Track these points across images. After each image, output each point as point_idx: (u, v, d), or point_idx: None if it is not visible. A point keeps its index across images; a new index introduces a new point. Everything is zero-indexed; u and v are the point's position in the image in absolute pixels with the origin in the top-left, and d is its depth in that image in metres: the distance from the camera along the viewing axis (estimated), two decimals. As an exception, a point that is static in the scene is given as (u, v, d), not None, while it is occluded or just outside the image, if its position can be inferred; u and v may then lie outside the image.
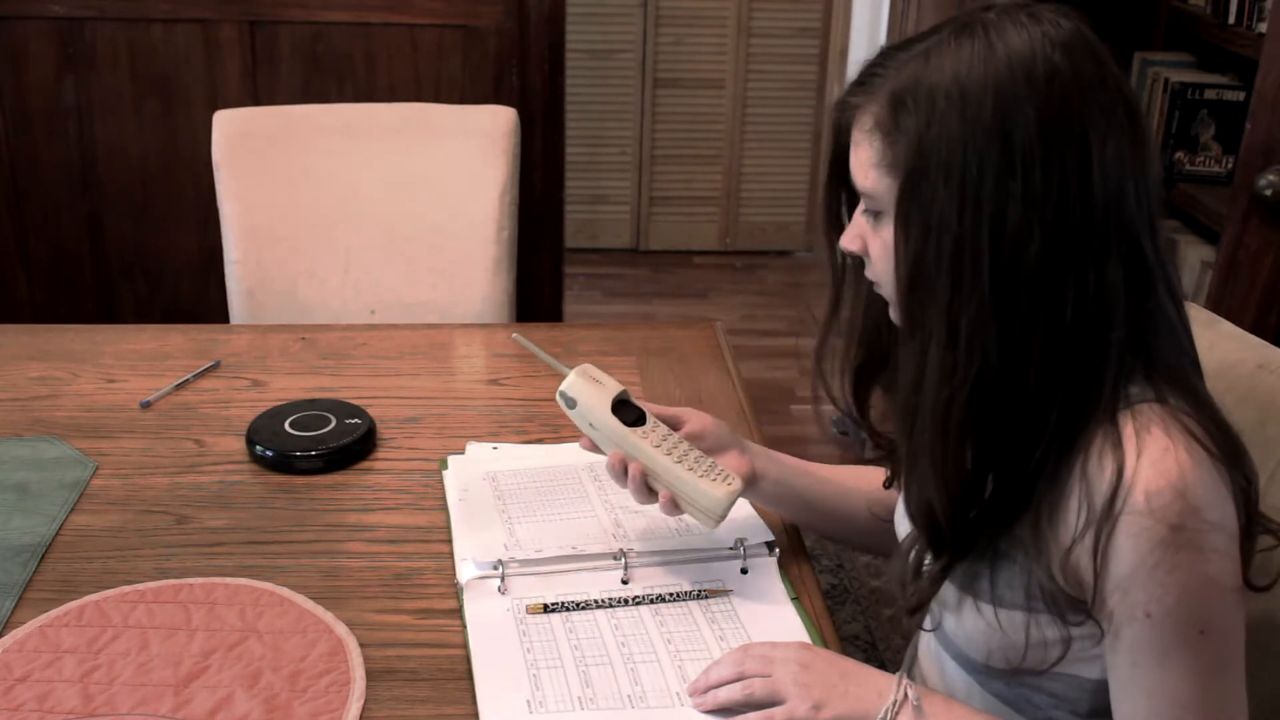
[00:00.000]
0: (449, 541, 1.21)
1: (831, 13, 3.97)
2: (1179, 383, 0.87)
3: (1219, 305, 1.72)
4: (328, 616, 1.09)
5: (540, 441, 1.41)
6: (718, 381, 1.58)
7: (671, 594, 1.12)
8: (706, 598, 1.13)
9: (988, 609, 0.92)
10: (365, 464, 1.36)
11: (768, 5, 3.97)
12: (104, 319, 2.61)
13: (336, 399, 1.46)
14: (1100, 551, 0.83)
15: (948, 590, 0.96)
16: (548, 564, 1.15)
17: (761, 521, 1.23)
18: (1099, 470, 0.84)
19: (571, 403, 1.13)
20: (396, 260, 1.95)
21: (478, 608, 1.10)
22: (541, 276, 2.66)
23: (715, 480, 1.10)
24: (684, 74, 4.05)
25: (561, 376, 1.14)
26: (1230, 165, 2.37)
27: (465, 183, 1.94)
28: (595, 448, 1.15)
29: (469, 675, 1.02)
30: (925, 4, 2.73)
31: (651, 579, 1.15)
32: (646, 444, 1.11)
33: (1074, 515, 0.85)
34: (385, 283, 1.95)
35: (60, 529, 1.22)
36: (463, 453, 1.38)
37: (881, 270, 0.93)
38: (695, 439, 1.15)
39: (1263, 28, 2.10)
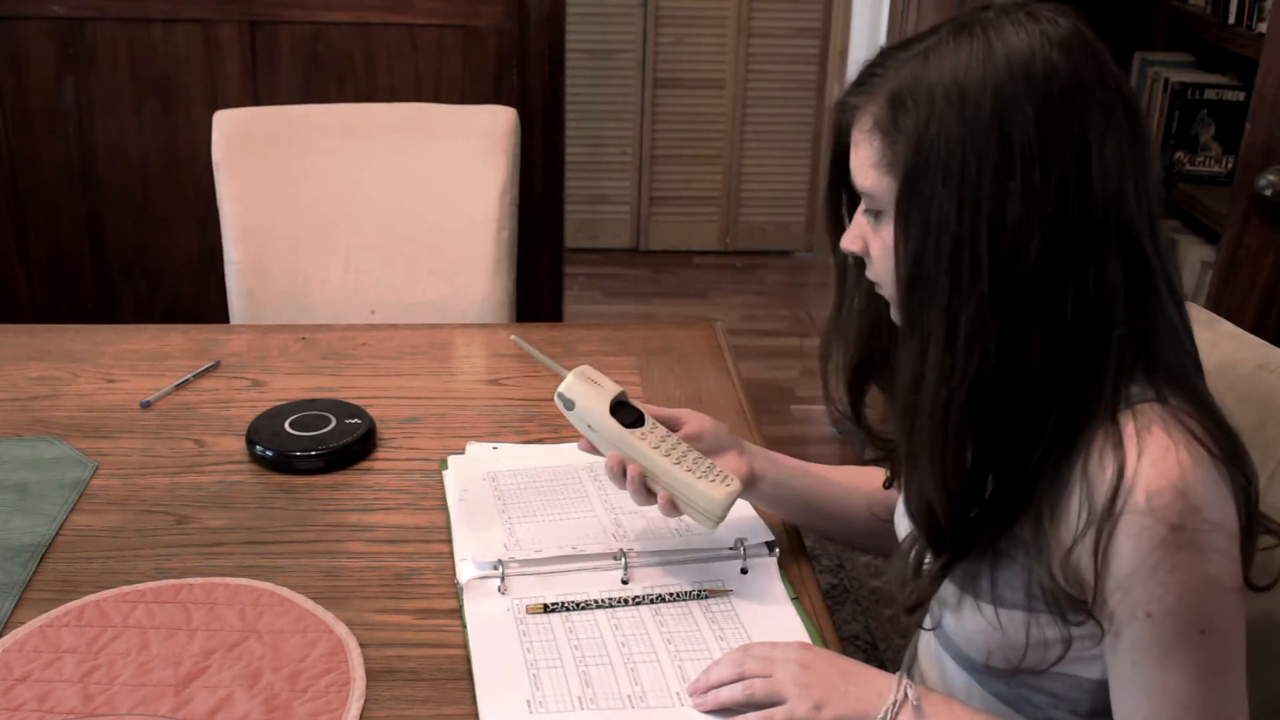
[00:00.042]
0: (449, 541, 1.21)
1: (831, 13, 3.97)
2: (1179, 382, 0.87)
3: (1219, 305, 1.72)
4: (328, 616, 1.09)
5: (540, 441, 1.41)
6: (718, 381, 1.58)
7: (671, 594, 1.12)
8: (706, 598, 1.13)
9: (988, 608, 0.92)
10: (365, 464, 1.36)
11: (768, 5, 3.97)
12: (104, 319, 2.61)
13: (336, 399, 1.46)
14: (1101, 551, 0.83)
15: (948, 589, 0.96)
16: (548, 564, 1.15)
17: (761, 521, 1.23)
18: (1100, 470, 0.84)
19: (570, 404, 1.13)
20: (396, 260, 1.95)
21: (478, 608, 1.10)
22: (541, 276, 2.66)
23: (714, 481, 1.10)
24: (684, 74, 4.05)
25: (560, 378, 1.14)
26: (1230, 165, 2.37)
27: (465, 183, 1.94)
28: (594, 449, 1.15)
29: (469, 675, 1.03)
30: (925, 4, 2.73)
31: (651, 579, 1.15)
32: (645, 445, 1.11)
33: (1075, 515, 0.85)
34: (385, 283, 1.95)
35: (60, 529, 1.22)
36: (463, 453, 1.38)
37: (882, 270, 0.93)
38: (694, 440, 1.15)
39: (1263, 28, 2.10)
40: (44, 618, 1.08)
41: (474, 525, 1.23)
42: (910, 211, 0.87)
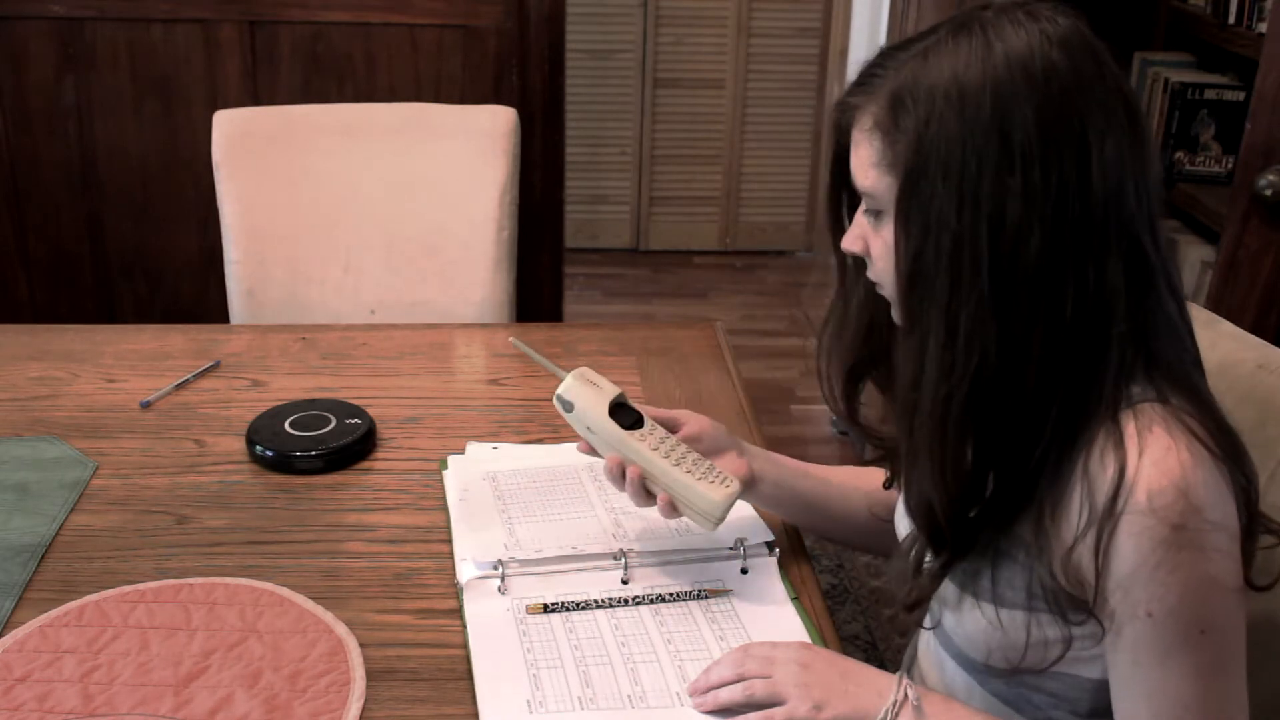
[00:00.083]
0: (449, 541, 1.21)
1: (831, 13, 3.97)
2: (1180, 382, 0.87)
3: (1219, 305, 1.72)
4: (328, 616, 1.09)
5: (540, 441, 1.41)
6: (718, 381, 1.58)
7: (671, 594, 1.12)
8: (706, 598, 1.13)
9: (988, 607, 0.92)
10: (365, 464, 1.36)
11: (768, 5, 3.97)
12: (104, 319, 2.61)
13: (336, 399, 1.46)
14: (1102, 550, 0.83)
15: (948, 588, 0.96)
16: (548, 564, 1.15)
17: (761, 521, 1.23)
18: (1101, 469, 0.84)
19: (569, 406, 1.12)
20: (396, 260, 1.95)
21: (478, 608, 1.10)
22: (541, 276, 2.66)
23: (713, 483, 1.10)
24: (684, 74, 4.05)
25: (559, 380, 1.14)
26: (1230, 165, 2.37)
27: (465, 183, 1.94)
28: (593, 451, 1.15)
29: (469, 675, 1.03)
30: (925, 4, 2.73)
31: (651, 579, 1.15)
32: (644, 447, 1.11)
33: (1076, 514, 0.85)
34: (385, 283, 1.95)
35: (60, 529, 1.22)
36: (463, 453, 1.38)
37: (883, 270, 0.93)
38: (693, 441, 1.15)
39: (1263, 28, 2.10)
40: (44, 618, 1.08)
41: (474, 525, 1.23)
42: (910, 210, 0.87)
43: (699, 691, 1.00)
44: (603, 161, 4.12)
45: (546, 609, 1.10)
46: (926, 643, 1.09)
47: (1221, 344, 1.12)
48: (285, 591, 1.12)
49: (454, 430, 1.44)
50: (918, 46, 0.89)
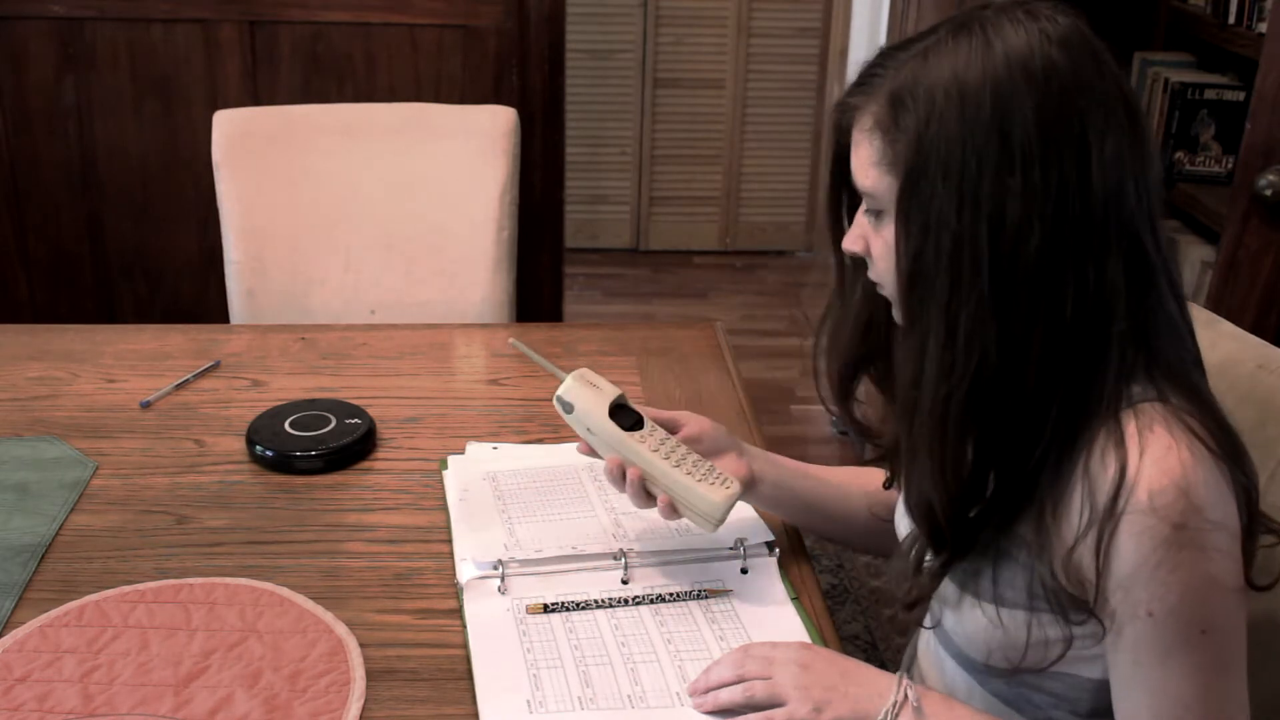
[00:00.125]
0: (449, 541, 1.21)
1: (831, 13, 3.97)
2: (1181, 381, 0.87)
3: (1219, 305, 1.72)
4: (328, 616, 1.09)
5: (540, 442, 1.41)
6: (718, 381, 1.58)
7: (671, 594, 1.12)
8: (706, 598, 1.13)
9: (989, 607, 0.92)
10: (365, 464, 1.36)
11: (768, 5, 3.97)
12: (104, 319, 2.61)
13: (336, 399, 1.46)
14: (1103, 550, 0.83)
15: (948, 588, 0.96)
16: (548, 564, 1.15)
17: (761, 521, 1.23)
18: (1102, 469, 0.84)
19: (569, 408, 1.12)
20: (396, 260, 1.95)
21: (478, 608, 1.10)
22: (541, 276, 2.66)
23: (714, 484, 1.10)
24: (684, 74, 4.05)
25: (559, 381, 1.14)
26: (1230, 165, 2.37)
27: (465, 183, 1.94)
28: (593, 452, 1.15)
29: (469, 675, 1.02)
30: (925, 4, 2.73)
31: (651, 579, 1.15)
32: (644, 448, 1.11)
33: (1076, 514, 0.85)
34: (385, 283, 1.95)
35: (60, 529, 1.22)
36: (463, 453, 1.38)
37: (884, 270, 0.93)
38: (693, 442, 1.15)
39: (1263, 28, 2.10)
40: (44, 618, 1.08)
41: (474, 525, 1.23)
42: (911, 210, 0.87)
43: (699, 692, 1.00)
44: (603, 161, 4.12)
45: (546, 609, 1.10)
46: (926, 642, 1.09)
47: (1221, 344, 1.12)
48: (285, 591, 1.12)
49: (454, 430, 1.44)
50: (917, 46, 0.89)
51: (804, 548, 1.23)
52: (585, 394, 1.13)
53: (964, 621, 0.96)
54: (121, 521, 1.24)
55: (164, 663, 1.02)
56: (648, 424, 1.13)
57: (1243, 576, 0.85)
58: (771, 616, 1.11)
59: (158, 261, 2.61)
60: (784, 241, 4.26)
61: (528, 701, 0.99)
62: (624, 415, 1.13)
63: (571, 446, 1.27)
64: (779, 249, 4.27)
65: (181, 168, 2.52)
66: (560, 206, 2.65)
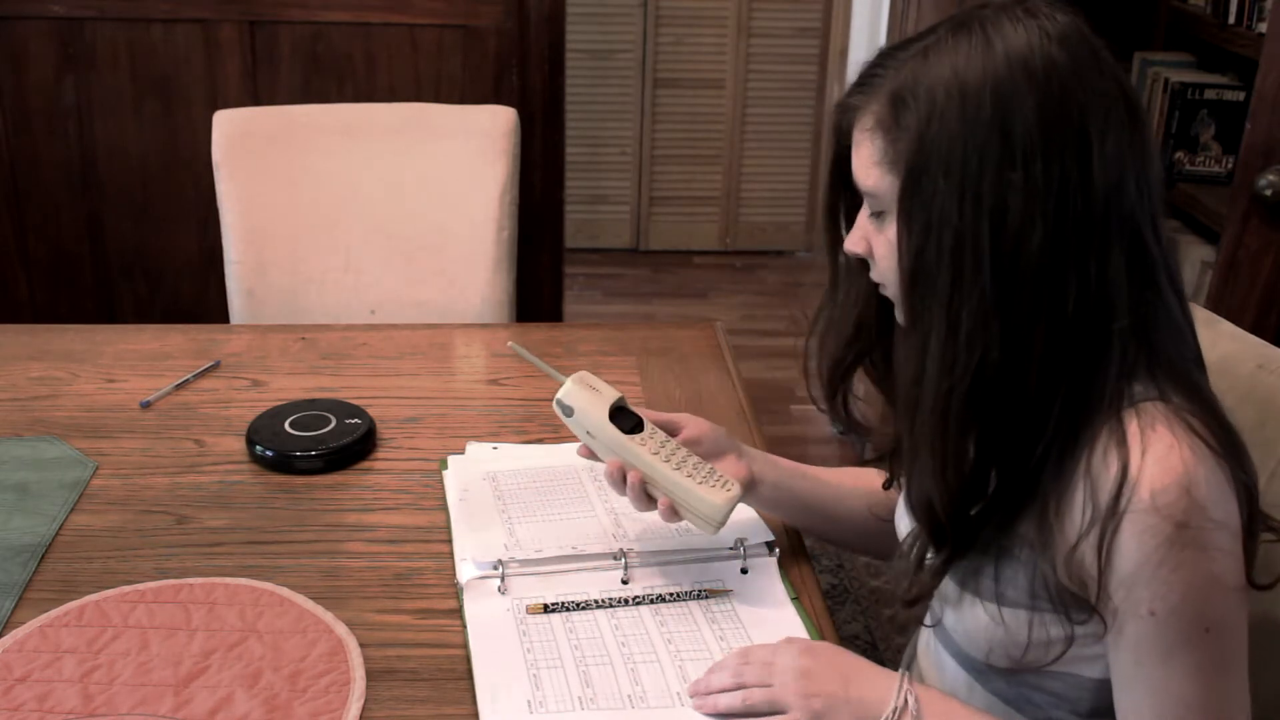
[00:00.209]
0: (449, 541, 1.21)
1: (831, 13, 3.97)
2: (1181, 380, 0.87)
3: (1219, 305, 1.72)
4: (328, 616, 1.09)
5: (540, 442, 1.41)
6: (718, 382, 1.58)
7: (672, 594, 1.12)
8: (707, 598, 1.13)
9: (991, 605, 0.92)
10: (365, 464, 1.36)
11: (768, 5, 3.97)
12: (104, 319, 2.61)
13: (336, 399, 1.46)
14: (1105, 549, 0.83)
15: (948, 586, 0.96)
16: (548, 564, 1.15)
17: (762, 521, 1.23)
18: (1103, 467, 0.84)
19: (569, 411, 1.12)
20: (396, 260, 1.95)
21: (478, 608, 1.10)
22: (541, 276, 2.66)
23: (714, 486, 1.10)
24: (684, 74, 4.05)
25: (558, 384, 1.14)
26: (1230, 165, 2.37)
27: (465, 183, 1.94)
28: (593, 455, 1.15)
29: (469, 675, 1.02)
30: (925, 4, 2.73)
31: (651, 579, 1.15)
32: (645, 451, 1.10)
33: (1079, 513, 0.85)
34: (385, 283, 1.95)
35: (60, 529, 1.22)
36: (463, 453, 1.38)
37: (886, 270, 0.93)
38: (692, 444, 1.15)
39: (1263, 28, 2.10)
40: (44, 618, 1.08)
41: (474, 525, 1.23)
42: (913, 208, 0.87)
43: (698, 694, 1.00)
44: (603, 161, 4.12)
45: (546, 609, 1.10)
46: (926, 642, 1.09)
47: (1221, 344, 1.12)
48: (285, 591, 1.12)
49: (454, 430, 1.44)
50: (917, 46, 0.89)
51: (804, 548, 1.23)
52: (585, 397, 1.12)
53: (965, 620, 0.96)
54: (121, 521, 1.24)
55: (164, 663, 1.02)
56: (648, 427, 1.13)
57: (1244, 575, 0.85)
58: (771, 617, 1.11)
59: (158, 261, 2.61)
60: (784, 241, 4.27)
61: (528, 701, 0.99)
62: (624, 418, 1.13)
63: (571, 446, 1.27)
64: (779, 249, 4.27)
65: (181, 168, 2.52)
66: (560, 206, 2.65)
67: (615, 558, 1.15)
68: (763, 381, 3.29)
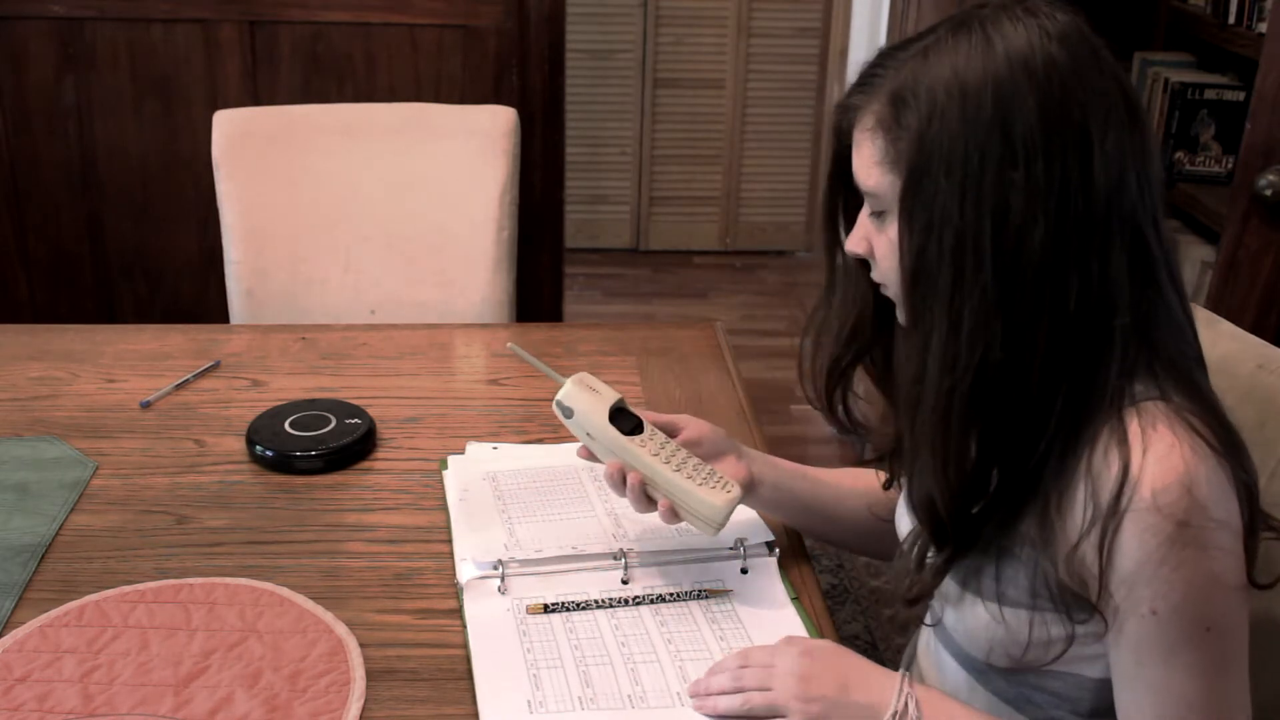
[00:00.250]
0: (449, 541, 1.21)
1: (831, 13, 3.97)
2: (1182, 379, 0.88)
3: (1219, 305, 1.72)
4: (328, 616, 1.09)
5: (540, 442, 1.41)
6: (718, 382, 1.58)
7: (672, 594, 1.12)
8: (707, 598, 1.13)
9: (992, 605, 0.92)
10: (365, 464, 1.36)
11: (768, 5, 3.97)
12: (104, 319, 2.61)
13: (336, 399, 1.46)
14: (1106, 548, 0.83)
15: (949, 585, 0.96)
16: (548, 564, 1.15)
17: (762, 521, 1.23)
18: (1105, 466, 0.84)
19: (568, 413, 1.12)
20: (396, 260, 1.95)
21: (478, 608, 1.10)
22: (541, 276, 2.66)
23: (714, 488, 1.10)
24: (684, 74, 4.05)
25: (558, 385, 1.14)
26: (1230, 165, 2.37)
27: (465, 183, 1.94)
28: (593, 457, 1.15)
29: (469, 675, 1.02)
30: (925, 4, 2.73)
31: (651, 579, 1.15)
32: (645, 453, 1.10)
33: (1080, 512, 0.85)
34: (385, 283, 1.95)
35: (60, 529, 1.22)
36: (463, 453, 1.38)
37: (887, 270, 0.94)
38: (692, 445, 1.15)
39: (1263, 28, 2.10)
40: (44, 618, 1.08)
41: (474, 525, 1.23)
42: (914, 207, 0.87)
43: (698, 695, 1.00)
44: (603, 161, 4.12)
45: (546, 609, 1.10)
46: (926, 642, 1.09)
47: (1221, 344, 1.12)
48: (285, 591, 1.12)
49: (454, 430, 1.44)
50: (917, 46, 0.89)
51: (804, 548, 1.23)
52: (585, 398, 1.12)
53: (965, 619, 0.96)
54: (121, 521, 1.24)
55: (164, 663, 1.02)
56: (647, 428, 1.13)
57: (1245, 575, 0.85)
58: (771, 617, 1.11)
59: (158, 261, 2.61)
60: (784, 241, 4.26)
61: (528, 701, 0.99)
62: (624, 419, 1.12)
63: (571, 446, 1.27)
64: (779, 249, 4.27)
65: (181, 168, 2.52)
66: (560, 206, 2.65)
67: (615, 558, 1.15)
68: (763, 381, 3.29)
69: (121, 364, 1.58)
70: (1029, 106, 0.83)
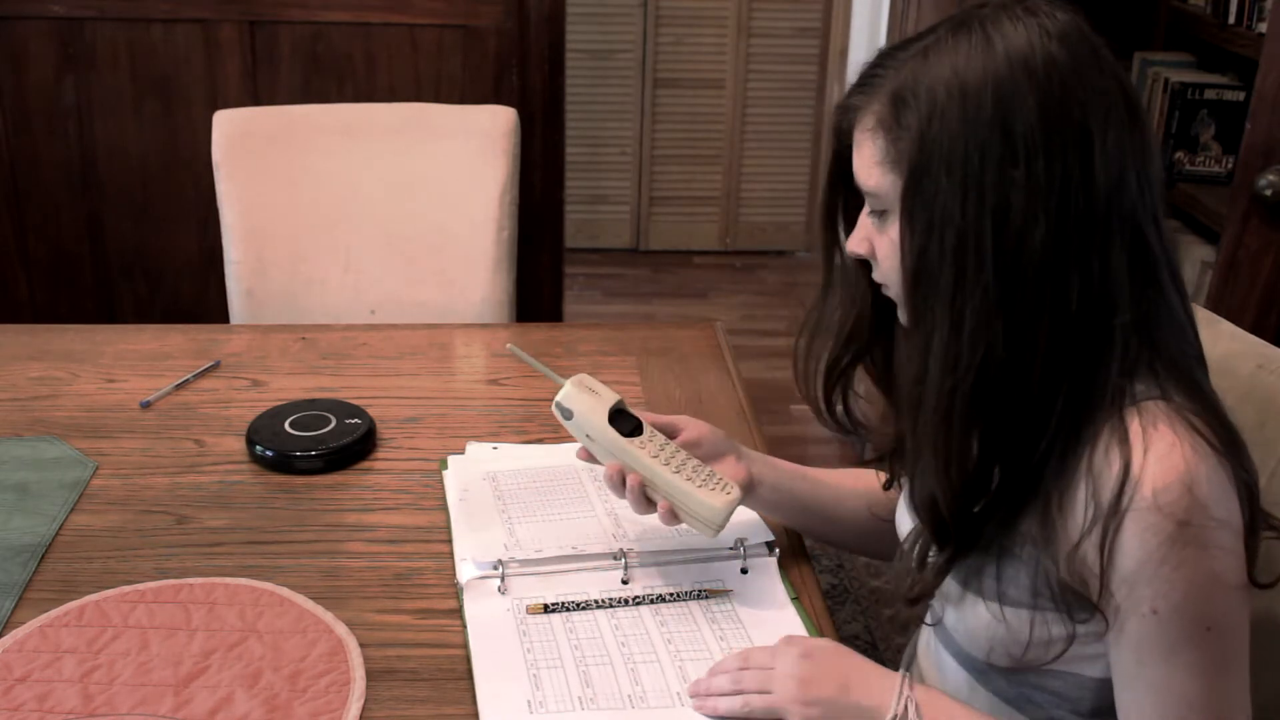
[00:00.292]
0: (449, 541, 1.21)
1: (831, 13, 3.97)
2: (1183, 378, 0.88)
3: (1219, 305, 1.72)
4: (328, 616, 1.09)
5: (540, 441, 1.41)
6: (718, 382, 1.58)
7: (672, 594, 1.12)
8: (707, 598, 1.13)
9: (993, 604, 0.92)
10: (365, 464, 1.36)
11: (768, 5, 3.97)
12: (104, 319, 2.61)
13: (336, 399, 1.46)
14: (1107, 547, 0.83)
15: (950, 585, 0.96)
16: (548, 564, 1.15)
17: (762, 521, 1.23)
18: (1105, 466, 0.84)
19: (568, 414, 1.12)
20: (396, 260, 1.95)
21: (478, 608, 1.10)
22: (541, 276, 2.66)
23: (714, 489, 1.10)
24: (684, 74, 4.05)
25: (557, 387, 1.14)
26: (1230, 165, 2.37)
27: (465, 183, 1.94)
28: (592, 458, 1.15)
29: (469, 675, 1.02)
30: (925, 4, 2.73)
31: (651, 579, 1.15)
32: (644, 454, 1.10)
33: (1081, 510, 0.85)
34: (385, 283, 1.95)
35: (60, 529, 1.22)
36: (463, 453, 1.38)
37: (888, 270, 0.94)
38: (692, 447, 1.15)
39: (1263, 28, 2.10)
40: (44, 618, 1.08)
41: (474, 525, 1.23)
42: (915, 207, 0.87)
43: (699, 695, 1.00)
44: (603, 161, 4.12)
45: (546, 609, 1.10)
46: (926, 642, 1.09)
47: (1221, 344, 1.12)
48: (285, 591, 1.12)
49: (454, 430, 1.44)
50: (917, 46, 0.89)
51: (804, 548, 1.23)
52: (584, 400, 1.12)
53: (966, 618, 0.96)
54: (121, 521, 1.24)
55: (164, 663, 1.02)
56: (647, 429, 1.13)
57: (1246, 574, 0.85)
58: (772, 617, 1.11)
59: (158, 261, 2.61)
60: (784, 241, 4.27)
61: (528, 702, 0.99)
62: (623, 421, 1.12)
63: (572, 446, 1.27)
64: (779, 249, 4.27)
65: (181, 168, 2.52)
66: (560, 206, 2.65)
67: (615, 558, 1.15)
68: (763, 381, 3.29)
69: (121, 364, 1.58)
70: (1029, 105, 0.83)
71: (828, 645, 1.00)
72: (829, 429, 1.11)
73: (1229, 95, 2.40)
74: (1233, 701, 0.85)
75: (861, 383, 1.09)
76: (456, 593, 1.13)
